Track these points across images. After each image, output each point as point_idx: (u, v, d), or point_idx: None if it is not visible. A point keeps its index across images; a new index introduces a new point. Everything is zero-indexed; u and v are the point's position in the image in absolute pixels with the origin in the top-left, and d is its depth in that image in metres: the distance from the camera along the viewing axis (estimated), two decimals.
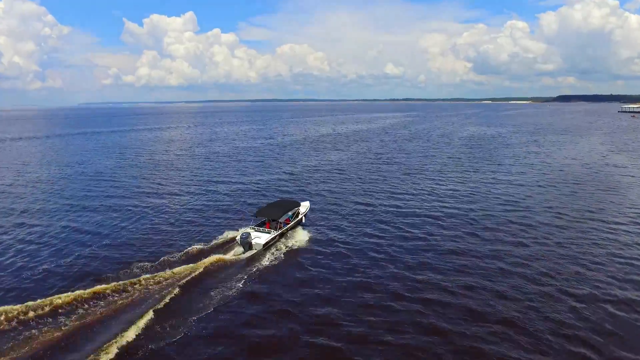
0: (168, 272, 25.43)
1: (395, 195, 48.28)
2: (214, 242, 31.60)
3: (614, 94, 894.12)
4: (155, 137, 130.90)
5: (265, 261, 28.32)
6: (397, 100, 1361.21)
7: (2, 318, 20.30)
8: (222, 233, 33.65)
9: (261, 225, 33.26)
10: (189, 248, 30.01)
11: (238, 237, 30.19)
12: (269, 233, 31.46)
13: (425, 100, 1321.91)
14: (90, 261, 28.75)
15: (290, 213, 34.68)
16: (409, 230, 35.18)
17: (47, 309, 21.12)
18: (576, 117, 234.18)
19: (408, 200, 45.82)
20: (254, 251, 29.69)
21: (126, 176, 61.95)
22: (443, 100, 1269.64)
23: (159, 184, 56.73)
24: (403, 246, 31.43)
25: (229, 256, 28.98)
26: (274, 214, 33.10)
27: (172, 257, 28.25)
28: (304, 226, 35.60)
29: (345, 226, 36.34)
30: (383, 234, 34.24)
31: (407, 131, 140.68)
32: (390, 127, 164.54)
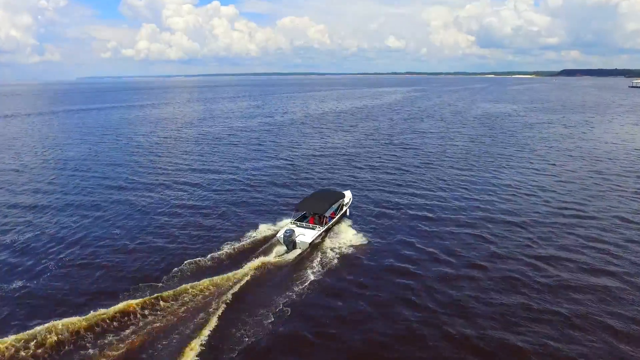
0: (211, 280, 22.87)
1: (426, 187, 41.86)
2: (249, 239, 28.47)
3: (618, 68, 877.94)
4: (156, 115, 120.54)
5: (314, 262, 25.27)
6: (399, 74, 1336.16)
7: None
8: (256, 228, 30.32)
9: (302, 220, 30.01)
10: (226, 248, 26.94)
11: (280, 235, 27.43)
12: (314, 229, 28.30)
13: (428, 74, 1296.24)
14: (119, 271, 24.71)
15: (335, 206, 31.45)
16: (458, 222, 31.96)
17: (80, 325, 19.07)
18: (588, 93, 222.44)
19: (445, 192, 39.95)
20: (298, 250, 26.90)
21: (137, 164, 53.98)
22: (445, 74, 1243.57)
23: (171, 171, 49.72)
24: (455, 238, 28.95)
25: (273, 258, 26.10)
26: (319, 208, 29.68)
27: (210, 261, 25.30)
28: (348, 218, 32.32)
29: (385, 219, 32.76)
30: (429, 227, 31.13)
31: (416, 108, 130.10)
32: (397, 103, 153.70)
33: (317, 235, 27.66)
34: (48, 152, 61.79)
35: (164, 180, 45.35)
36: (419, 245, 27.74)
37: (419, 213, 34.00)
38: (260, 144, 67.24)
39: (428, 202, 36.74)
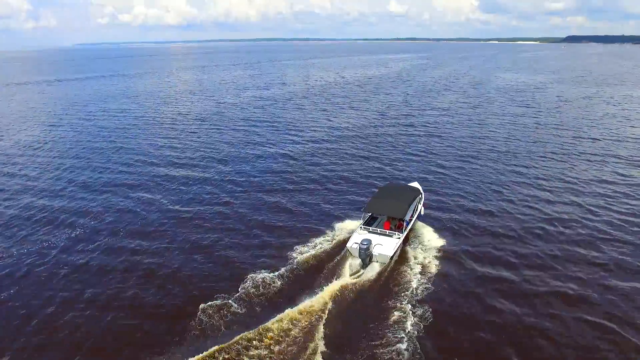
0: (291, 312, 18.28)
1: (481, 182, 34.31)
2: (316, 249, 23.32)
3: (626, 34, 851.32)
4: (157, 88, 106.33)
5: (403, 282, 20.00)
6: (401, 39, 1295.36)
7: None
8: (319, 234, 25.10)
9: (369, 224, 24.69)
10: (294, 260, 22.05)
11: (353, 246, 22.20)
12: (392, 237, 22.92)
13: (430, 40, 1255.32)
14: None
15: (413, 205, 25.56)
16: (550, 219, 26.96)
17: None
18: (607, 61, 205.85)
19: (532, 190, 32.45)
20: (377, 265, 21.76)
21: (153, 151, 43.40)
22: (448, 40, 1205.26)
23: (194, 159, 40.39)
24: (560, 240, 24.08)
25: (350, 277, 21.03)
26: (398, 210, 24.08)
27: (279, 280, 20.58)
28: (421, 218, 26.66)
29: (455, 214, 28.11)
30: (506, 222, 26.66)
31: (429, 78, 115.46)
32: (406, 72, 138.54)
33: (398, 245, 22.50)
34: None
35: (199, 176, 33.03)
36: (513, 247, 23.72)
37: (493, 209, 28.78)
38: (253, 126, 54.29)
39: (499, 197, 30.93)
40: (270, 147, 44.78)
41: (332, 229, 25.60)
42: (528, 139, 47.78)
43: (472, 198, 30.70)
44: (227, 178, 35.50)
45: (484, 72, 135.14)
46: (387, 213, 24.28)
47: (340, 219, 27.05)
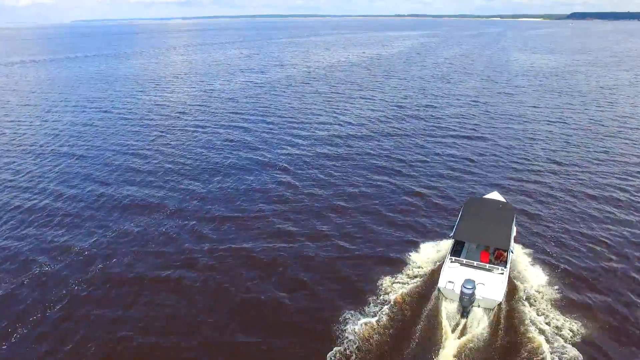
0: None
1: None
2: (389, 292, 17.28)
3: (632, 11, 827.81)
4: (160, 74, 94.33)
5: (524, 341, 14.60)
6: (403, 16, 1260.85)
7: None
8: (390, 267, 18.98)
9: (457, 253, 18.59)
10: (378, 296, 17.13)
11: (449, 288, 16.78)
12: (492, 271, 17.34)
13: (432, 16, 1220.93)
14: None
15: (513, 229, 19.42)
16: None
17: None
18: (624, 40, 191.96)
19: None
20: (481, 312, 16.46)
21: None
22: (450, 16, 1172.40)
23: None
24: None
25: (454, 335, 15.45)
26: (499, 237, 18.22)
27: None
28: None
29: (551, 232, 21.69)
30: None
31: (442, 59, 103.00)
32: (414, 51, 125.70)
33: (504, 284, 16.58)
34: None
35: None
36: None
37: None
38: (247, 124, 43.27)
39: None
40: (266, 154, 34.04)
41: (408, 258, 19.87)
42: (592, 141, 36.95)
43: (572, 214, 23.44)
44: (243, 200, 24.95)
45: (498, 53, 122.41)
46: (485, 241, 18.58)
47: (413, 245, 20.99)
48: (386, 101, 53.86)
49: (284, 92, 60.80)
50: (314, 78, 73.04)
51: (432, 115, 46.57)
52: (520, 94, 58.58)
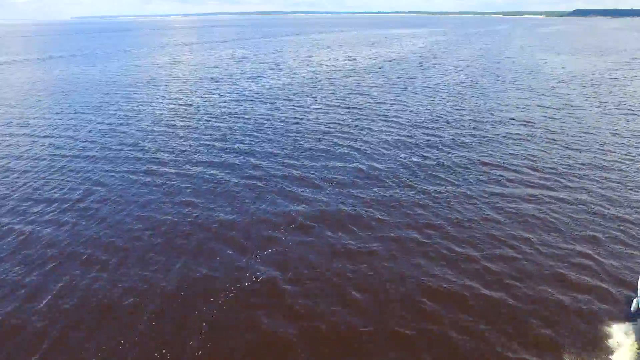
0: None
1: None
2: None
3: (634, 7, 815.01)
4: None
5: None
6: (404, 13, 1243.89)
7: None
8: None
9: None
10: None
11: None
12: None
13: (433, 13, 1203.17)
14: None
15: None
16: None
17: None
18: None
19: None
20: None
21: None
22: (451, 13, 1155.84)
23: None
24: None
25: None
26: None
27: None
28: None
29: None
30: None
31: (462, 62, 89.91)
32: (427, 52, 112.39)
33: None
34: None
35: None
36: None
37: None
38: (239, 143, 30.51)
39: None
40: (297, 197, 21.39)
41: None
42: None
43: None
44: None
45: (520, 54, 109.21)
46: None
47: None
48: (416, 124, 40.96)
49: (282, 109, 47.96)
50: (317, 87, 60.13)
51: (487, 141, 33.81)
52: (579, 109, 45.83)
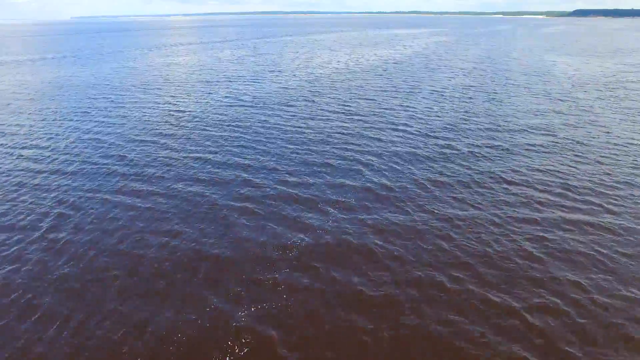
0: None
1: None
2: None
3: (635, 7, 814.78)
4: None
5: None
6: (404, 13, 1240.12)
7: None
8: None
9: None
10: None
11: None
12: None
13: (433, 13, 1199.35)
14: None
15: None
16: None
17: None
18: None
19: None
20: None
21: None
22: (451, 13, 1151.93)
23: None
24: None
25: None
26: None
27: None
28: None
29: None
30: None
31: (468, 64, 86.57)
32: (431, 53, 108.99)
33: None
34: None
35: None
36: None
37: None
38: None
39: None
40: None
41: None
42: None
43: None
44: None
45: (528, 55, 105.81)
46: None
47: None
48: (428, 134, 37.52)
49: (284, 119, 44.57)
50: (318, 91, 56.75)
51: (504, 153, 30.41)
52: (601, 116, 42.46)
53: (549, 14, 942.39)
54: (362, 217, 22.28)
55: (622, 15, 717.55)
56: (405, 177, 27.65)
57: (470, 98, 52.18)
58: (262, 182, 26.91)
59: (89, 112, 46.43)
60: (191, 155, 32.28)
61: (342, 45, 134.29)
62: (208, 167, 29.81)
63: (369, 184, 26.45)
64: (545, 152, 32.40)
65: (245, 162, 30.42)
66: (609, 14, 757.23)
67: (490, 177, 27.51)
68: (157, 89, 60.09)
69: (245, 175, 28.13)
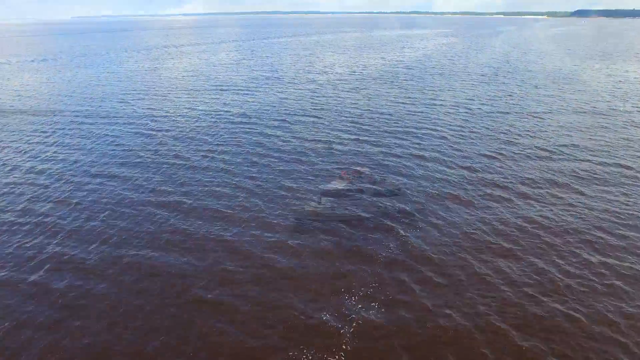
0: None
1: None
2: None
3: (636, 8, 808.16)
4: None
5: None
6: (405, 13, 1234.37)
7: None
8: None
9: None
10: None
11: None
12: None
13: (435, 13, 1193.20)
14: None
15: None
16: None
17: None
18: None
19: None
20: None
21: None
22: (453, 13, 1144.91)
23: None
24: None
25: None
26: None
27: None
28: None
29: None
30: None
31: (485, 68, 78.40)
32: (442, 55, 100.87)
33: None
34: None
35: None
36: None
37: None
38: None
39: None
40: None
41: None
42: None
43: None
44: None
45: (546, 59, 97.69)
46: None
47: None
48: (466, 165, 29.45)
49: (279, 131, 36.49)
50: (322, 104, 48.68)
51: (571, 198, 22.43)
52: None
53: (550, 14, 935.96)
54: (398, 312, 14.25)
55: (624, 15, 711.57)
56: (447, 243, 19.62)
57: (502, 113, 44.14)
58: (255, 252, 18.91)
59: (54, 132, 38.43)
60: (166, 198, 24.25)
61: (345, 48, 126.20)
62: (187, 224, 21.79)
63: (398, 255, 18.46)
64: (621, 192, 24.40)
65: (229, 212, 22.42)
66: (610, 15, 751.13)
67: (567, 241, 19.48)
68: (138, 99, 52.14)
69: (232, 235, 20.14)
